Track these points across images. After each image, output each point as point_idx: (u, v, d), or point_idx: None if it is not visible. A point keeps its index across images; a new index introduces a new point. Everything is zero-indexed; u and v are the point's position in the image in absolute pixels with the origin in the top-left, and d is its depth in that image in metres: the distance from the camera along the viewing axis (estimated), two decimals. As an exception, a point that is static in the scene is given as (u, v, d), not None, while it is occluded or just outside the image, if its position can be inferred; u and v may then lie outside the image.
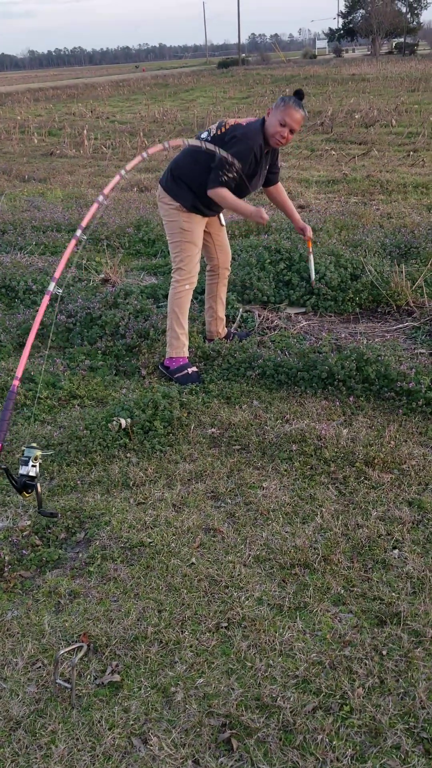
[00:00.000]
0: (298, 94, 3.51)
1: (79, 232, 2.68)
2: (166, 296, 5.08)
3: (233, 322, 4.47)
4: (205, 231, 3.79)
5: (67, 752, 1.78)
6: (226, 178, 3.43)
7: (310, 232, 4.15)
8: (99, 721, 1.86)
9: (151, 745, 1.79)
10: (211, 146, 3.36)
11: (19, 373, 2.42)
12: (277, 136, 3.47)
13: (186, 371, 3.76)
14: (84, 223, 2.68)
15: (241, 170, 3.42)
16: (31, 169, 11.34)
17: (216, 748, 1.78)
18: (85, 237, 2.70)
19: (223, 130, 3.51)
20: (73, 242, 2.67)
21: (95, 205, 2.76)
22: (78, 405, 3.63)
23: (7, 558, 2.46)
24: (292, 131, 3.48)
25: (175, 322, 3.77)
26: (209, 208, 3.66)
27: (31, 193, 9.35)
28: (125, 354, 4.12)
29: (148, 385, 3.75)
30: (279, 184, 3.93)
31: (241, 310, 4.59)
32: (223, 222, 3.89)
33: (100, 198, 2.80)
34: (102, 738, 1.82)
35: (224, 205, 3.52)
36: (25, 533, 2.62)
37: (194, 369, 3.79)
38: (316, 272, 4.77)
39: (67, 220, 7.25)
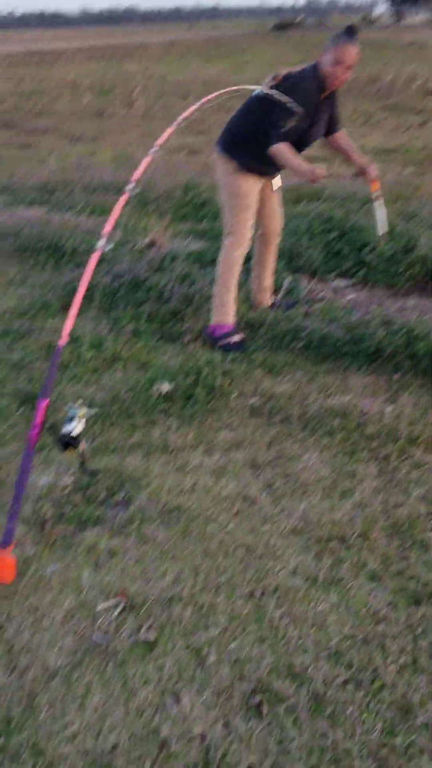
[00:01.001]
0: (350, 30, 3.33)
1: (130, 186, 2.65)
2: (212, 261, 5.04)
3: (279, 291, 4.42)
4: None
5: (101, 704, 1.83)
6: (285, 129, 3.31)
7: (374, 170, 3.67)
8: (133, 677, 1.91)
9: (183, 704, 1.83)
10: (269, 90, 3.25)
11: (65, 331, 2.43)
12: (334, 76, 3.33)
13: (230, 339, 3.74)
14: (135, 177, 2.65)
15: (300, 117, 3.31)
16: (81, 129, 11.30)
17: (246, 712, 1.81)
18: (136, 191, 2.67)
19: (277, 81, 3.40)
20: (124, 196, 2.63)
21: (148, 158, 2.72)
22: (121, 368, 3.65)
23: (48, 514, 2.51)
24: (348, 68, 3.32)
25: (223, 287, 3.74)
26: (267, 168, 3.58)
27: (81, 153, 9.33)
28: (169, 319, 4.11)
29: (191, 352, 3.75)
30: (342, 131, 3.72)
31: (288, 279, 4.53)
32: (277, 186, 3.81)
33: (153, 150, 2.76)
34: (136, 693, 1.86)
35: (282, 162, 3.38)
36: (66, 491, 2.66)
37: (238, 337, 3.77)
38: (386, 223, 3.95)
39: (117, 180, 7.22)
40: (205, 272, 4.68)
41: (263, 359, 3.62)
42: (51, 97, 15.86)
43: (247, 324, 3.94)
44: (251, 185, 3.63)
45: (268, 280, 4.12)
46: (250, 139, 3.48)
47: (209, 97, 3.07)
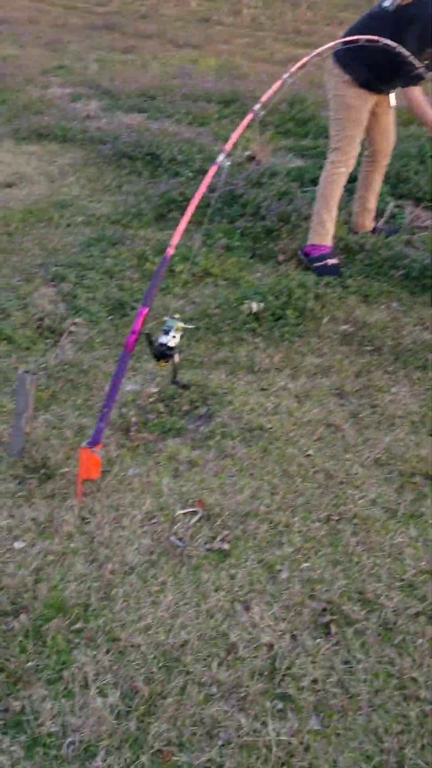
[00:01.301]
0: None
1: (257, 106, 2.50)
2: (313, 180, 4.83)
3: (381, 217, 4.20)
4: (371, 112, 3.50)
5: (173, 603, 1.90)
6: (421, 69, 3.02)
7: None
8: (206, 582, 1.96)
9: (253, 614, 1.87)
10: (391, 43, 2.89)
11: (174, 241, 2.35)
12: None
13: (326, 261, 3.61)
14: (264, 99, 2.50)
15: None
16: (186, 35, 10.86)
17: (315, 629, 1.83)
18: (262, 113, 2.53)
19: (407, 1, 3.12)
20: (249, 116, 2.50)
21: (279, 81, 2.56)
22: (211, 283, 3.61)
23: (133, 419, 2.56)
24: None
25: (324, 207, 3.59)
26: (382, 86, 3.35)
27: (184, 60, 9.00)
28: (264, 237, 4.00)
29: (284, 272, 3.65)
30: None
31: (391, 204, 4.29)
32: (393, 102, 3.56)
33: (285, 75, 2.60)
34: (207, 597, 1.91)
35: (416, 111, 3.23)
36: (151, 399, 2.70)
37: (335, 260, 3.64)
38: None
39: (219, 90, 6.96)
40: (304, 191, 4.50)
41: (359, 286, 3.49)
42: (156, 0, 15.27)
43: (345, 248, 3.79)
44: (363, 100, 3.41)
45: (372, 203, 3.92)
46: (371, 55, 3.23)
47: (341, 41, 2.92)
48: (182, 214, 4.49)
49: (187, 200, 4.35)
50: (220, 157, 2.45)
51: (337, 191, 3.56)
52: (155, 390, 2.76)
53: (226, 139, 5.61)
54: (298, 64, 2.66)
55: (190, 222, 4.47)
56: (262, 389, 2.80)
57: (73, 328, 3.13)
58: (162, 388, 2.76)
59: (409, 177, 4.49)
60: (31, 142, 5.77)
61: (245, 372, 2.91)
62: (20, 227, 4.14)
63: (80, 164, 5.32)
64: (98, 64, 8.53)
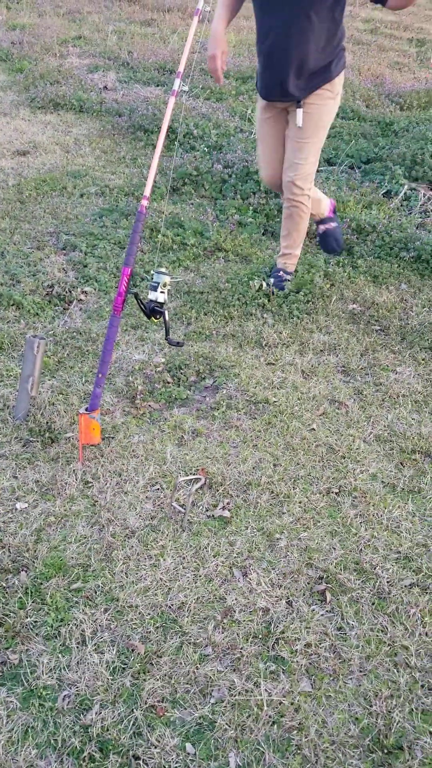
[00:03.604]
0: None
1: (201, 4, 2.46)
2: (328, 160, 4.81)
3: (396, 197, 4.18)
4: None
5: (173, 567, 1.93)
6: None
7: None
8: (205, 548, 1.99)
9: (250, 579, 1.90)
10: None
11: (147, 192, 2.30)
12: None
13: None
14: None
15: None
16: (206, 10, 10.71)
17: (310, 596, 1.86)
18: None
19: None
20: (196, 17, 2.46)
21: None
22: (222, 258, 3.61)
23: (140, 388, 2.58)
24: None
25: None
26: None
27: (204, 36, 8.89)
28: (276, 214, 3.99)
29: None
30: None
31: (405, 186, 4.27)
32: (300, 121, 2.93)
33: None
34: (206, 562, 1.94)
35: None
36: (158, 369, 2.72)
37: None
38: None
39: (237, 66, 6.89)
40: (319, 170, 4.47)
41: (369, 266, 3.48)
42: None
43: (357, 228, 3.78)
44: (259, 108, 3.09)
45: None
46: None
47: None
48: (196, 189, 4.49)
49: (202, 175, 4.35)
50: (176, 83, 2.40)
51: None
52: (162, 360, 2.78)
53: (242, 115, 5.58)
54: None
55: (202, 197, 4.46)
56: (269, 363, 2.82)
57: (82, 297, 3.14)
58: (169, 359, 2.78)
59: (424, 160, 4.45)
60: (47, 112, 5.74)
61: (253, 346, 2.92)
62: (33, 195, 4.14)
63: (95, 135, 5.30)
64: (117, 36, 8.45)
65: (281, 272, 3.28)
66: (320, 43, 2.72)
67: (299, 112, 2.85)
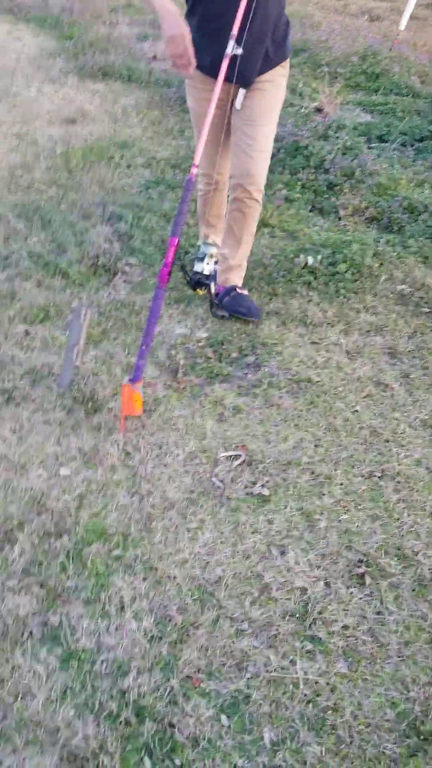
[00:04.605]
0: None
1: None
2: (380, 137, 4.69)
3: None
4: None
5: (211, 541, 1.93)
6: None
7: None
8: (244, 524, 1.98)
9: (288, 558, 1.89)
10: None
11: (196, 159, 2.20)
12: None
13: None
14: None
15: None
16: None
17: (349, 578, 1.85)
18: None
19: None
20: None
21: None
22: (268, 234, 3.55)
23: (182, 362, 2.57)
24: None
25: None
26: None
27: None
28: (325, 191, 3.91)
29: (344, 227, 3.57)
30: None
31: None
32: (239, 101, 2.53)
33: None
34: (244, 538, 1.94)
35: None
36: (200, 344, 2.70)
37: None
38: None
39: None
40: (371, 147, 4.37)
41: (420, 247, 3.39)
42: None
43: (409, 207, 3.68)
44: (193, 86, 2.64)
45: None
46: None
47: None
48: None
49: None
50: (230, 47, 2.19)
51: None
52: (205, 335, 2.76)
53: (293, 89, 5.45)
54: None
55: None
56: (313, 342, 2.78)
57: (126, 268, 3.13)
58: (211, 334, 2.76)
59: None
60: (95, 80, 5.70)
61: (297, 324, 2.88)
62: (81, 164, 4.12)
63: (144, 106, 5.25)
64: (167, 5, 8.33)
65: (237, 289, 2.84)
66: (283, 4, 2.39)
67: (241, 92, 2.44)
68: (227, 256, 2.83)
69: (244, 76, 2.39)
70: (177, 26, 2.17)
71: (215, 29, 2.27)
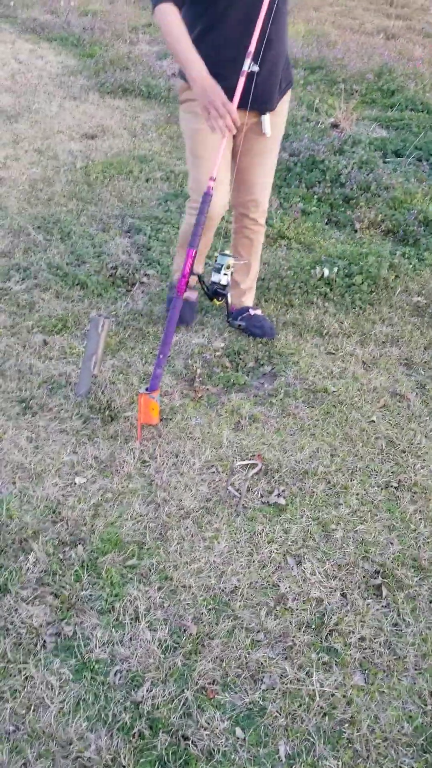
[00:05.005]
0: None
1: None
2: (395, 152, 4.70)
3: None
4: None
5: (226, 550, 1.92)
6: None
7: None
8: (260, 533, 1.97)
9: (304, 568, 1.87)
10: None
11: (213, 173, 2.19)
12: None
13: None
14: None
15: None
16: (276, -2, 10.61)
17: (365, 589, 1.82)
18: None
19: None
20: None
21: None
22: (285, 246, 3.57)
23: (198, 371, 2.57)
24: None
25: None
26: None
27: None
28: (341, 204, 3.92)
29: (360, 240, 3.57)
30: None
31: None
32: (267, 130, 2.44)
33: None
34: (260, 548, 1.93)
35: (165, 40, 2.22)
36: (217, 353, 2.70)
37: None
38: None
39: (306, 56, 6.80)
40: (386, 162, 4.38)
41: (437, 259, 3.39)
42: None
43: (425, 220, 3.68)
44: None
45: None
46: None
47: None
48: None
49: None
50: (246, 64, 2.12)
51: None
52: (222, 345, 2.76)
53: (310, 105, 5.49)
54: None
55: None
56: (329, 353, 2.77)
57: (144, 279, 3.15)
58: (228, 344, 2.76)
59: None
60: (115, 97, 5.78)
61: (313, 334, 2.88)
62: (100, 178, 4.17)
63: (162, 122, 5.31)
64: (185, 24, 8.44)
65: (250, 310, 2.82)
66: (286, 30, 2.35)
67: (266, 117, 2.38)
68: (238, 282, 2.80)
69: (265, 100, 2.33)
70: (209, 92, 2.09)
71: (230, 57, 2.18)
